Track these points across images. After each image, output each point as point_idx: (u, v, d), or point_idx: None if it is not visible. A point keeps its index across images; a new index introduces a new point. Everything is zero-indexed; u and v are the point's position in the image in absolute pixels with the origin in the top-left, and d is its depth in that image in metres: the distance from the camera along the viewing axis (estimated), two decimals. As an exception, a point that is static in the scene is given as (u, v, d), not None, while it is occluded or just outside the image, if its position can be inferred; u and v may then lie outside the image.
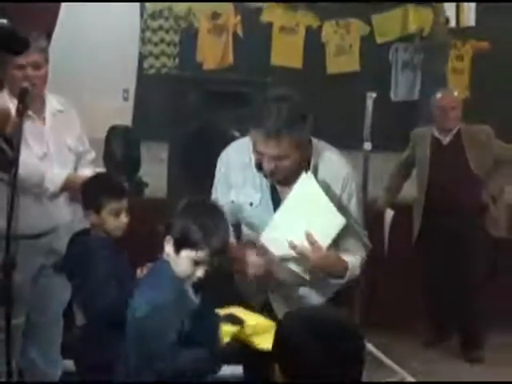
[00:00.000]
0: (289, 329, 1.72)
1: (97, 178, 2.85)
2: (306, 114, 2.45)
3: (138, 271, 2.51)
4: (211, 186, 2.74)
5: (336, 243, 2.54)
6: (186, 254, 2.14)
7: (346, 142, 2.73)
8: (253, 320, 2.32)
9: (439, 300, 4.61)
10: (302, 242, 2.44)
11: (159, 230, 2.24)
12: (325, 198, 2.46)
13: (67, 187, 3.13)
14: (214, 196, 2.70)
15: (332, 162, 2.61)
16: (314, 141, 2.59)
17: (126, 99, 8.06)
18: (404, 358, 4.33)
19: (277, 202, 2.59)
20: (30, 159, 2.96)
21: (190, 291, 2.24)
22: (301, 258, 2.46)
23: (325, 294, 2.62)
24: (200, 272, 2.15)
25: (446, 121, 4.41)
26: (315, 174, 2.54)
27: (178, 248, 2.16)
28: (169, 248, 2.18)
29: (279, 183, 2.58)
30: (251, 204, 2.61)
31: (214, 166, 2.75)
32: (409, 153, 4.66)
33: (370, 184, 4.08)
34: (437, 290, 4.59)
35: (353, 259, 2.58)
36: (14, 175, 2.51)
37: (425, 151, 4.47)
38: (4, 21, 1.95)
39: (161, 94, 6.73)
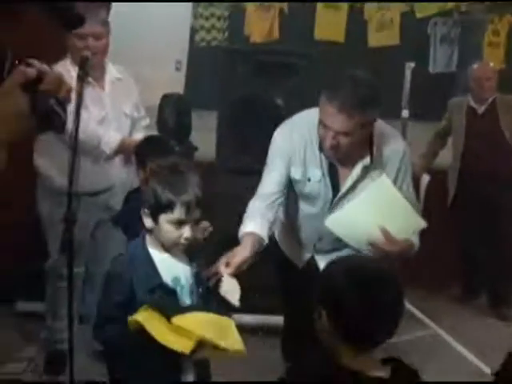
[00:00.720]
0: (331, 275, 1.71)
1: (147, 139, 2.96)
2: (379, 95, 2.33)
3: None
4: (256, 150, 2.70)
5: None
6: (165, 219, 1.99)
7: (385, 110, 2.67)
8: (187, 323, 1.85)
9: (471, 261, 4.57)
10: (376, 235, 2.34)
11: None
12: (403, 201, 2.37)
13: (121, 150, 3.16)
14: (270, 167, 2.54)
15: (391, 138, 2.52)
16: (378, 121, 2.45)
17: (178, 70, 8.06)
18: (436, 314, 4.30)
19: (335, 180, 2.51)
20: (89, 123, 2.99)
21: (171, 262, 2.05)
22: (376, 250, 2.37)
23: (368, 254, 2.57)
24: (187, 232, 2.00)
25: (482, 91, 4.33)
26: (380, 155, 2.47)
27: (155, 216, 2.01)
28: (147, 221, 2.04)
29: (340, 162, 2.48)
30: (309, 180, 2.52)
31: (259, 132, 2.71)
32: (445, 123, 4.60)
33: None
34: (469, 252, 4.54)
35: (414, 238, 2.45)
36: (75, 138, 2.53)
37: (461, 120, 4.41)
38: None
39: (211, 65, 6.72)
